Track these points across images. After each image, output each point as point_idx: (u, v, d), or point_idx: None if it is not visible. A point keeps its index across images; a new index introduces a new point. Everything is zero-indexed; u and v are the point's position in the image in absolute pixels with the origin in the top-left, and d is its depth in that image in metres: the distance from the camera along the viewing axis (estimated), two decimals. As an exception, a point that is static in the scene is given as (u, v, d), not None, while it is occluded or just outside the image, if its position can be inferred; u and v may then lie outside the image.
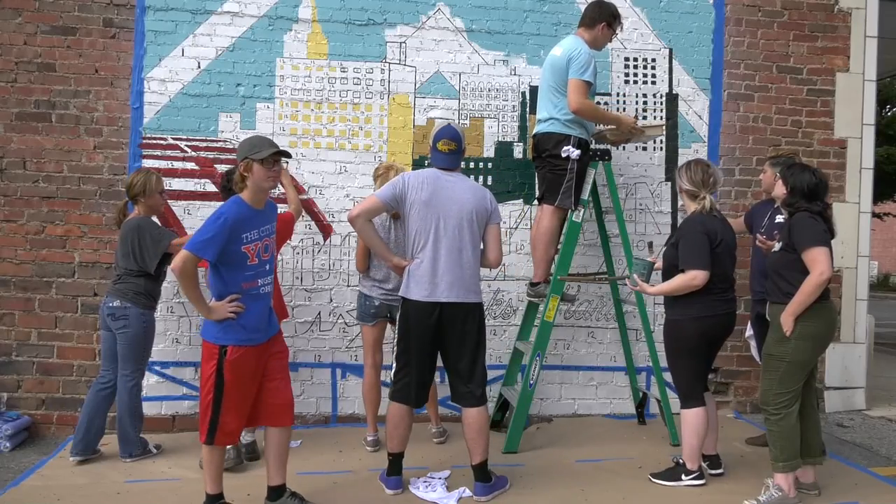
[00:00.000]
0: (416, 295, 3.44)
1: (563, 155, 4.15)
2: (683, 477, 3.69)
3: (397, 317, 3.64)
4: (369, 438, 4.22)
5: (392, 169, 4.18)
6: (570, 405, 5.00)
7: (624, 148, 4.97)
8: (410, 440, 4.40)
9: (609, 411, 5.05)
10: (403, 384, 3.51)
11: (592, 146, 4.51)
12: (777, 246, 3.49)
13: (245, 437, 4.05)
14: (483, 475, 3.49)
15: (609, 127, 4.45)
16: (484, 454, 3.49)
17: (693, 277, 3.52)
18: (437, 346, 3.52)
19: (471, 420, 3.49)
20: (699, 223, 3.61)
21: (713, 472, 3.81)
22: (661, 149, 5.13)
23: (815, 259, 3.29)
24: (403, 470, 3.65)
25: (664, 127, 4.60)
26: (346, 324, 4.80)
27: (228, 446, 3.84)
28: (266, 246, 3.15)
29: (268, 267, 3.18)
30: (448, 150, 3.52)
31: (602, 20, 4.30)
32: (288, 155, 3.19)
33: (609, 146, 4.67)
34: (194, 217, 4.64)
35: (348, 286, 4.78)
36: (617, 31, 4.41)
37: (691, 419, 3.65)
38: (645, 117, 5.08)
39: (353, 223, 3.53)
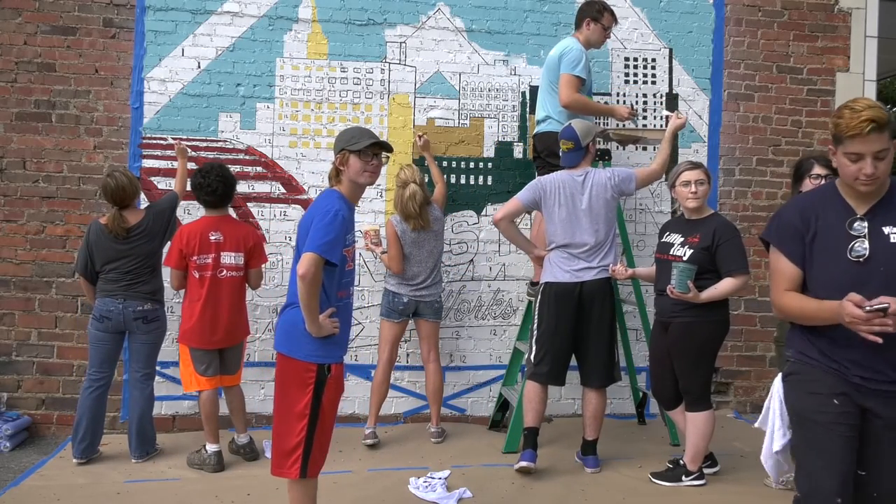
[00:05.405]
0: (561, 278, 3.81)
1: (562, 155, 4.16)
2: (684, 478, 3.69)
3: (536, 304, 3.91)
4: (367, 431, 4.22)
5: (406, 185, 4.23)
6: (570, 405, 4.99)
7: (624, 148, 4.96)
8: (410, 440, 4.39)
9: (609, 411, 4.99)
10: (543, 366, 3.83)
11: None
12: None
13: (242, 438, 4.05)
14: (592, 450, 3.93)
15: (614, 127, 4.46)
16: (593, 434, 3.91)
17: (746, 281, 3.56)
18: (577, 324, 3.81)
19: (586, 401, 3.92)
20: (733, 226, 3.66)
21: (710, 470, 3.81)
22: (661, 149, 5.12)
23: None
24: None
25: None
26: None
27: (216, 448, 3.86)
28: (353, 251, 2.86)
29: (354, 274, 2.93)
30: (566, 149, 3.89)
31: (586, 17, 4.38)
32: (389, 148, 2.82)
33: (609, 145, 4.67)
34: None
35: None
36: (607, 25, 4.41)
37: (702, 422, 3.64)
38: (645, 117, 5.08)
39: (498, 225, 3.97)
